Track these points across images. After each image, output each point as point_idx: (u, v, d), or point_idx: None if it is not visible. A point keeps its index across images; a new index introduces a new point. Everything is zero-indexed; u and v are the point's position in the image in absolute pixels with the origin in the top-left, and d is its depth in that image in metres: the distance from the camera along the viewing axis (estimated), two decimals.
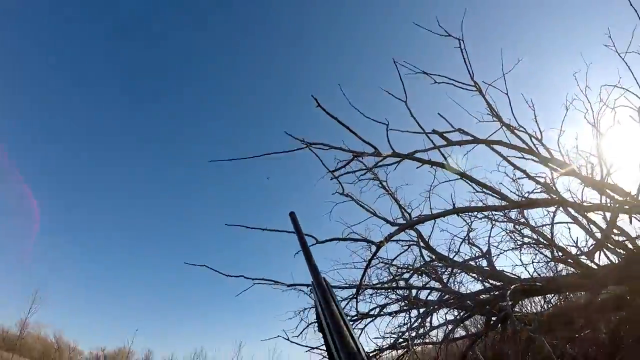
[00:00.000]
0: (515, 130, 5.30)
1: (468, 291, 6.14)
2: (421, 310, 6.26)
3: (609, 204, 5.27)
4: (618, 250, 5.72)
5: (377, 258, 6.24)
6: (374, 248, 5.32)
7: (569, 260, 5.85)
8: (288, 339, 6.45)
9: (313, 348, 6.17)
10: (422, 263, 6.00)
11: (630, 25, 4.98)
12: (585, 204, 5.41)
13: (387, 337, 6.37)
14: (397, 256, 5.64)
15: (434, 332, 6.40)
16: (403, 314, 6.39)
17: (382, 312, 6.41)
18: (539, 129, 5.39)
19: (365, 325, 6.36)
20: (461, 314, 6.34)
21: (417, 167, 5.64)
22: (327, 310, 0.71)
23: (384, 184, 5.96)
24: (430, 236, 5.81)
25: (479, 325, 7.70)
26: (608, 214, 5.36)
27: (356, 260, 6.65)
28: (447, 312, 6.24)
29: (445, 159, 5.50)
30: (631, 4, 4.77)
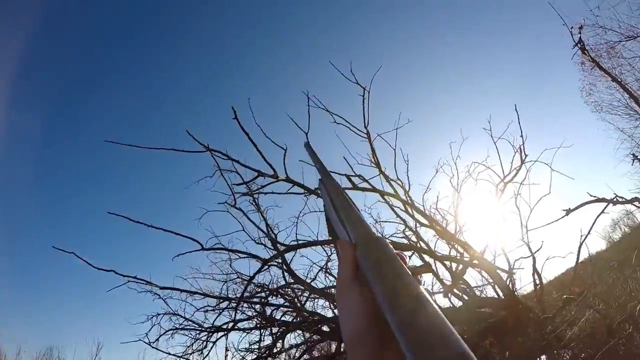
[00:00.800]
0: (390, 180, 5.68)
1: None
2: (275, 330, 6.30)
3: (458, 257, 5.87)
4: (462, 296, 6.38)
5: (236, 273, 6.21)
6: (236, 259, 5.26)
7: None
8: (149, 344, 6.24)
9: (171, 354, 6.12)
10: (282, 284, 6.07)
11: (508, 118, 5.94)
12: (437, 253, 5.92)
13: (242, 353, 6.37)
14: (257, 273, 5.59)
15: (287, 353, 6.50)
16: (258, 332, 6.37)
17: (235, 327, 6.32)
18: (409, 182, 5.90)
19: (217, 339, 6.21)
20: (315, 337, 6.51)
21: (303, 194, 5.80)
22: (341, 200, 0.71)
23: (256, 201, 5.96)
24: (292, 259, 5.93)
25: (332, 350, 8.02)
26: (456, 265, 5.92)
27: (215, 271, 6.55)
28: (301, 334, 6.38)
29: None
30: (516, 109, 5.48)
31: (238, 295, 6.19)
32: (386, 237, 6.42)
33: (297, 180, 5.55)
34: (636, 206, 5.68)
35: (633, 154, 4.12)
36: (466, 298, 6.39)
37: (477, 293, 6.57)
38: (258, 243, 6.07)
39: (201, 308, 6.44)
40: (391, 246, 0.58)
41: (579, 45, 4.76)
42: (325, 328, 6.30)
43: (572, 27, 4.79)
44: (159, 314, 6.50)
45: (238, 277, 6.38)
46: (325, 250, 6.28)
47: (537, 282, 6.42)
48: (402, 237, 6.16)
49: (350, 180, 5.54)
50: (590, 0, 8.20)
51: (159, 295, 6.37)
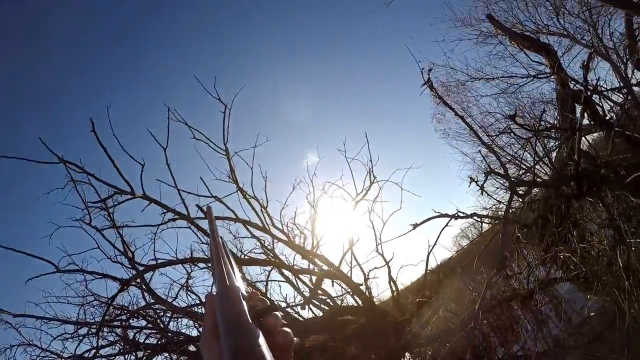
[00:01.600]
0: (247, 196, 6.01)
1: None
2: (140, 354, 6.19)
3: (315, 270, 6.37)
4: (322, 306, 6.86)
5: (93, 295, 6.03)
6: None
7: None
8: None
9: None
10: (143, 305, 6.00)
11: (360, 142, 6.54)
12: (296, 267, 6.37)
13: None
14: (116, 295, 5.50)
15: None
16: (122, 358, 6.18)
17: (98, 355, 6.08)
18: (267, 198, 6.28)
19: None
20: (183, 358, 6.50)
21: (160, 213, 5.82)
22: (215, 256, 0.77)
23: (112, 216, 5.85)
24: (151, 278, 5.92)
25: None
26: (314, 278, 6.41)
27: (70, 294, 6.20)
28: (168, 357, 6.32)
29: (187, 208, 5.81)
30: (366, 136, 6.27)
31: (98, 320, 6.00)
32: (246, 252, 6.74)
33: (154, 197, 5.62)
34: (475, 220, 6.64)
35: (470, 177, 4.95)
36: (326, 308, 6.89)
37: (338, 302, 7.11)
38: (115, 262, 5.95)
39: (59, 336, 6.09)
40: (240, 298, 0.64)
41: (427, 84, 5.63)
42: (192, 348, 6.33)
43: (422, 68, 5.68)
44: (13, 346, 6.04)
45: (96, 300, 6.15)
46: (185, 268, 6.36)
47: (394, 288, 7.14)
48: (261, 253, 6.49)
49: (199, 208, 5.73)
50: (446, 46, 9.64)
51: (11, 324, 5.95)
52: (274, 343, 0.61)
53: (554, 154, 6.46)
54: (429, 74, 5.52)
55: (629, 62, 7.51)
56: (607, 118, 6.88)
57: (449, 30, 10.00)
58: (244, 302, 0.64)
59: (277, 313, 0.66)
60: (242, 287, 0.72)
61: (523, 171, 6.30)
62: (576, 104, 6.44)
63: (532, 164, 6.14)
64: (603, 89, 6.64)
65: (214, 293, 0.69)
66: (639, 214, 6.38)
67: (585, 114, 6.78)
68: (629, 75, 7.44)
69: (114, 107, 5.69)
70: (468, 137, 9.90)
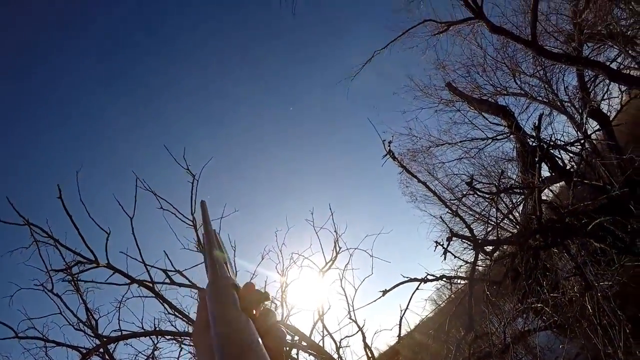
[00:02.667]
0: None
1: None
2: None
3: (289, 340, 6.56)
4: None
5: None
6: None
7: None
8: None
9: None
10: None
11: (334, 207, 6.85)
12: None
13: None
14: None
15: None
16: None
17: None
18: (235, 269, 6.40)
19: None
20: None
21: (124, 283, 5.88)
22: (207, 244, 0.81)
23: (76, 282, 5.84)
24: (115, 348, 5.88)
25: None
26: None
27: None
28: None
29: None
30: (330, 208, 6.62)
31: None
32: None
33: (120, 265, 5.61)
34: (444, 281, 6.88)
35: (435, 241, 5.30)
36: None
37: None
38: (77, 329, 5.86)
39: None
40: (231, 288, 0.65)
41: (389, 154, 6.10)
42: None
43: (384, 140, 6.16)
44: None
45: None
46: (152, 340, 6.29)
47: (369, 355, 7.27)
48: None
49: (167, 275, 5.86)
50: (410, 114, 10.16)
51: None
52: (267, 339, 0.61)
53: (521, 207, 6.91)
54: (389, 146, 5.98)
55: (584, 113, 8.15)
56: (568, 168, 7.40)
57: (411, 100, 10.54)
58: (235, 293, 0.64)
59: (273, 311, 0.66)
60: (234, 278, 0.72)
61: (490, 228, 6.71)
62: (536, 159, 6.96)
63: (498, 220, 6.55)
64: (560, 142, 7.18)
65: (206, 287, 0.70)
66: (604, 257, 6.79)
67: (547, 167, 7.32)
68: (585, 125, 8.06)
69: (83, 171, 5.68)
70: (435, 200, 10.29)
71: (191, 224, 6.18)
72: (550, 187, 7.79)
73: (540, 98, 8.97)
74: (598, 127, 8.52)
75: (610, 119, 9.06)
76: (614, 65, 9.90)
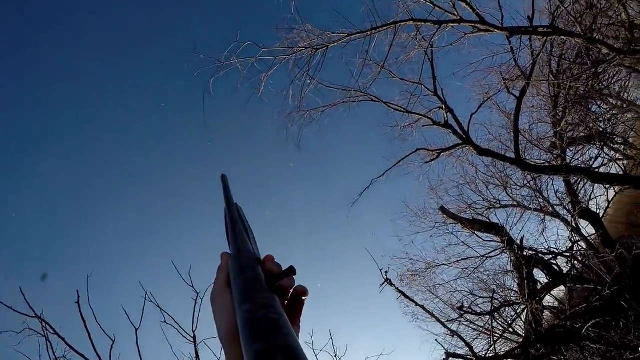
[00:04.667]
0: None
1: None
2: None
3: None
4: None
5: None
6: None
7: None
8: None
9: None
10: None
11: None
12: None
13: None
14: None
15: None
16: None
17: None
18: None
19: None
20: None
21: None
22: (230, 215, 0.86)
23: None
24: None
25: None
26: None
27: None
28: None
29: None
30: (330, 333, 7.39)
31: None
32: None
33: None
34: None
35: None
36: None
37: None
38: None
39: None
40: (255, 262, 0.68)
41: (387, 282, 7.22)
42: None
43: (381, 269, 7.31)
44: None
45: None
46: None
47: None
48: None
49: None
50: (406, 239, 11.01)
51: None
52: (289, 302, 0.66)
53: (523, 316, 7.77)
54: (386, 275, 7.02)
55: (574, 215, 9.19)
56: (565, 272, 8.36)
57: (406, 226, 11.21)
58: (259, 267, 0.66)
59: (293, 276, 0.67)
60: (257, 251, 0.76)
61: (493, 343, 7.49)
62: (532, 268, 7.99)
63: (502, 333, 7.46)
64: (554, 248, 8.23)
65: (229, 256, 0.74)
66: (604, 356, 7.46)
67: (544, 274, 8.30)
68: (576, 227, 9.06)
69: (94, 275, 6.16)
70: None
71: (191, 340, 6.79)
72: (551, 292, 8.63)
73: (533, 206, 10.04)
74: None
75: (601, 215, 10.05)
76: (598, 162, 11.10)
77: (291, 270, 0.66)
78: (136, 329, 5.41)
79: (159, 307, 6.08)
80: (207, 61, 8.66)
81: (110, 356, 5.21)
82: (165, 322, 5.80)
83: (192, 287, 6.62)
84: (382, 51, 9.13)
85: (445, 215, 9.75)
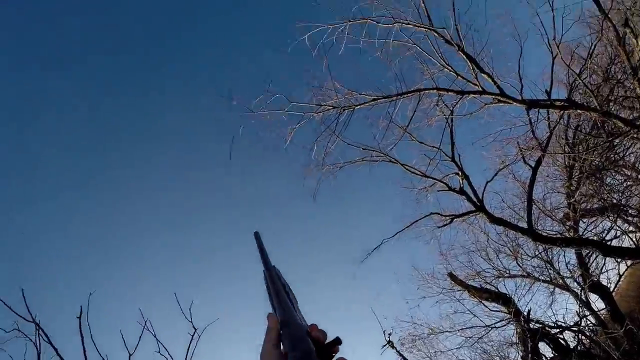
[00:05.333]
0: None
1: None
2: None
3: None
4: None
5: None
6: None
7: None
8: None
9: None
10: None
11: None
12: None
13: None
14: None
15: None
16: None
17: None
18: None
19: None
20: None
21: None
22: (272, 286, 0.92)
23: None
24: None
25: None
26: None
27: None
28: None
29: None
30: None
31: None
32: None
33: None
34: None
35: None
36: None
37: None
38: None
39: None
40: (304, 325, 0.78)
41: (389, 344, 7.45)
42: None
43: (384, 330, 7.56)
44: None
45: None
46: None
47: None
48: None
49: None
50: (412, 302, 10.98)
51: None
52: None
53: None
54: (389, 337, 7.24)
55: (585, 289, 9.30)
56: (572, 347, 8.43)
57: (413, 289, 11.17)
58: (308, 339, 0.72)
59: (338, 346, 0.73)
60: (302, 318, 0.82)
61: None
62: (538, 342, 8.09)
63: None
64: (561, 322, 8.34)
65: (277, 319, 0.81)
66: None
67: (550, 348, 8.39)
68: (587, 299, 9.15)
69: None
70: None
71: None
72: None
73: (542, 278, 10.11)
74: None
75: (611, 288, 10.10)
76: (611, 234, 11.20)
77: (337, 341, 0.75)
78: (130, 354, 5.32)
79: (155, 336, 6.07)
80: (239, 108, 9.25)
81: None
82: (159, 352, 6.33)
83: (191, 322, 6.67)
84: (405, 115, 9.62)
85: (453, 282, 9.87)
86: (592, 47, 10.46)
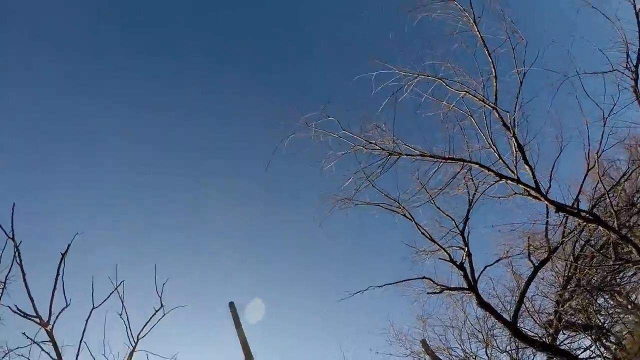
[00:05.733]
0: None
1: None
2: None
3: None
4: None
5: None
6: None
7: None
8: None
9: None
10: None
11: None
12: None
13: None
14: None
15: None
16: None
17: None
18: None
19: None
20: None
21: None
22: None
23: None
24: None
25: None
26: None
27: None
28: None
29: None
30: None
31: None
32: None
33: None
34: None
35: None
36: None
37: None
38: None
39: None
40: None
41: None
42: None
43: None
44: None
45: None
46: None
47: None
48: None
49: None
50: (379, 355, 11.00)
51: None
52: None
53: None
54: None
55: None
56: None
57: (383, 342, 11.31)
58: None
59: None
60: None
61: None
62: None
63: None
64: None
65: None
66: None
67: None
68: None
69: None
70: None
71: None
72: None
73: None
74: None
75: None
76: (587, 353, 11.23)
77: None
78: (93, 307, 5.67)
79: (121, 299, 6.00)
80: (292, 123, 9.25)
81: None
82: (120, 315, 5.99)
83: (160, 297, 6.21)
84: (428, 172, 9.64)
85: (425, 350, 9.91)
86: (629, 173, 10.60)
